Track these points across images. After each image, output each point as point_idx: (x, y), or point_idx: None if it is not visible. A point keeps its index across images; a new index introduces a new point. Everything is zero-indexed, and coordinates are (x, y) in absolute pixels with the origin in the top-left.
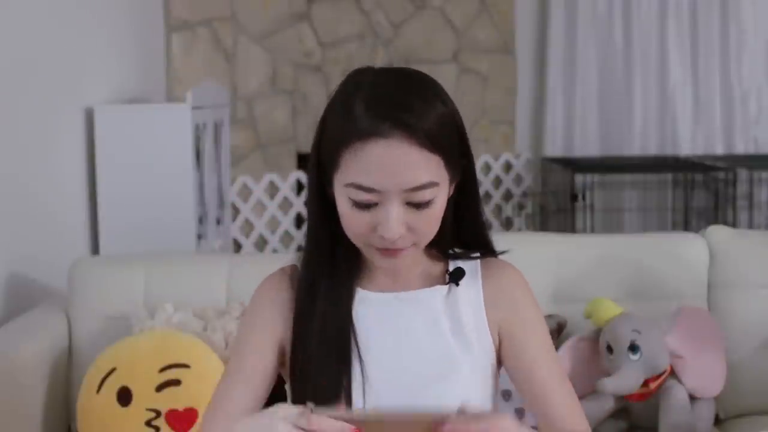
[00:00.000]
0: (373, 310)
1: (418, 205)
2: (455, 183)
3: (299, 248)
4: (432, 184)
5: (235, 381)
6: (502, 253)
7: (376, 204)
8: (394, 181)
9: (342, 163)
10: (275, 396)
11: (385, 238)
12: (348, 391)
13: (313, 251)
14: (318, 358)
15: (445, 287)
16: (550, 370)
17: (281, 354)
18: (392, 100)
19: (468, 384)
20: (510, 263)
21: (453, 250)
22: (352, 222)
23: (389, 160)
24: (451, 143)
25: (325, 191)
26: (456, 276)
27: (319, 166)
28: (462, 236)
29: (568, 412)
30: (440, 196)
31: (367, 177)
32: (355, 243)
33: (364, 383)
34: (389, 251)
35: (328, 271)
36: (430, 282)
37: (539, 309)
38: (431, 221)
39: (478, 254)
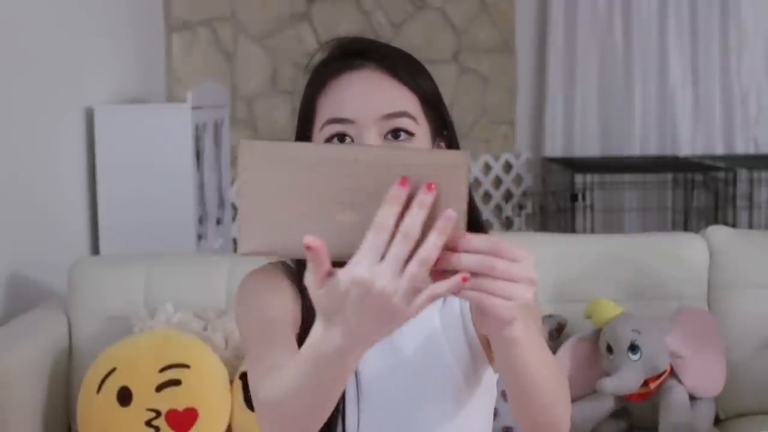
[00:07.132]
0: None
1: (397, 135)
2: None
3: None
4: (409, 115)
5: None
6: None
7: (352, 141)
8: (367, 107)
9: (318, 109)
10: None
11: None
12: (342, 404)
13: None
14: None
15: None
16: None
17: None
18: (358, 42)
19: (465, 399)
20: None
21: None
22: None
23: (362, 88)
24: (426, 86)
25: None
26: None
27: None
28: None
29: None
30: (422, 139)
31: (340, 108)
32: None
33: (358, 395)
34: None
35: None
36: None
37: None
38: None
39: None
